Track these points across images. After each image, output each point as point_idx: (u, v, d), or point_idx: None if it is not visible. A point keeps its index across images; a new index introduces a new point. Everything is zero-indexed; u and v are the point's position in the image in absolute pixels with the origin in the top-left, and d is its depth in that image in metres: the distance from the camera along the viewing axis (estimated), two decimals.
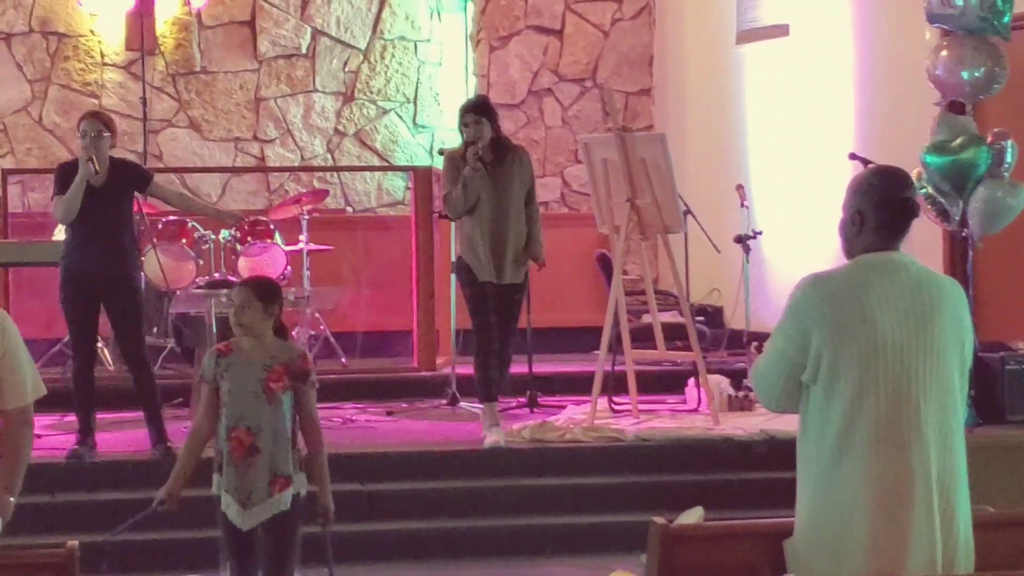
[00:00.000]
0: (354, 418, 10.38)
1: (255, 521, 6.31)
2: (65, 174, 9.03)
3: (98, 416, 9.21)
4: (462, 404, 10.56)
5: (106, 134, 9.00)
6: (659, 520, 4.54)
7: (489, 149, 9.31)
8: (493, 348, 9.33)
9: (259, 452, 6.28)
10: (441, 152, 11.25)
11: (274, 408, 6.30)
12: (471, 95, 14.62)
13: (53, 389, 10.54)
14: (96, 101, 14.07)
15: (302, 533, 6.45)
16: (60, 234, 10.59)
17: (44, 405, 10.47)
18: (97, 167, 8.87)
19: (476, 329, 9.38)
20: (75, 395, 9.07)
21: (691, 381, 10.61)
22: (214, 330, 9.05)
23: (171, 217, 11.50)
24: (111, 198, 8.99)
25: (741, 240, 11.08)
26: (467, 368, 10.65)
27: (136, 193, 9.23)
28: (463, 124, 9.34)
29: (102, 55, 14.17)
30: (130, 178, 9.15)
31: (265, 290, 6.43)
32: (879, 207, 4.46)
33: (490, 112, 9.39)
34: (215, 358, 6.40)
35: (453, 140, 14.00)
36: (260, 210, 13.02)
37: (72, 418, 9.44)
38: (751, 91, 13.22)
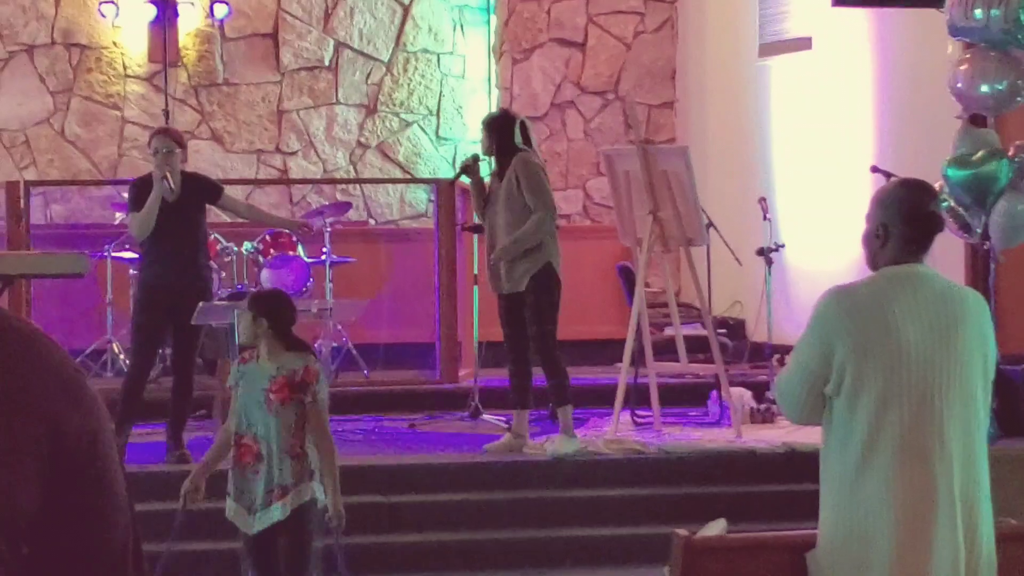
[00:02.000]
0: (376, 430, 10.40)
1: (259, 527, 6.46)
2: (139, 190, 9.23)
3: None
4: (484, 416, 10.58)
5: (177, 150, 9.22)
6: (682, 532, 4.55)
7: (496, 161, 9.52)
8: (516, 356, 9.48)
9: (262, 460, 6.45)
10: None
11: (274, 418, 6.45)
12: (494, 107, 14.68)
13: None
14: (118, 113, 14.14)
15: (319, 542, 6.57)
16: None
17: None
18: (173, 185, 9.03)
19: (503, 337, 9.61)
20: (120, 405, 9.10)
21: (713, 394, 10.62)
22: (236, 342, 9.08)
23: None
24: (184, 212, 9.18)
25: (763, 253, 11.08)
26: (489, 380, 10.69)
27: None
28: None
29: (124, 67, 14.23)
30: (202, 191, 9.35)
31: (254, 301, 6.70)
32: (904, 220, 4.47)
33: (490, 126, 9.53)
34: (236, 366, 6.66)
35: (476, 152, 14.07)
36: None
37: None
38: (774, 104, 13.23)
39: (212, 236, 11.52)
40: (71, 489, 2.16)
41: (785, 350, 4.59)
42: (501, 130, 9.45)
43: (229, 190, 14.15)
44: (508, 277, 9.37)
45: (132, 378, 9.24)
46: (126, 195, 9.80)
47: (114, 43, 14.19)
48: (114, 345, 11.65)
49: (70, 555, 2.17)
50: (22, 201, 11.19)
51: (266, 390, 6.46)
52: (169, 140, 9.20)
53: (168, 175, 9.06)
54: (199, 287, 9.24)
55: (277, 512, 6.42)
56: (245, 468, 6.48)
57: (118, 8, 13.97)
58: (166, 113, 13.76)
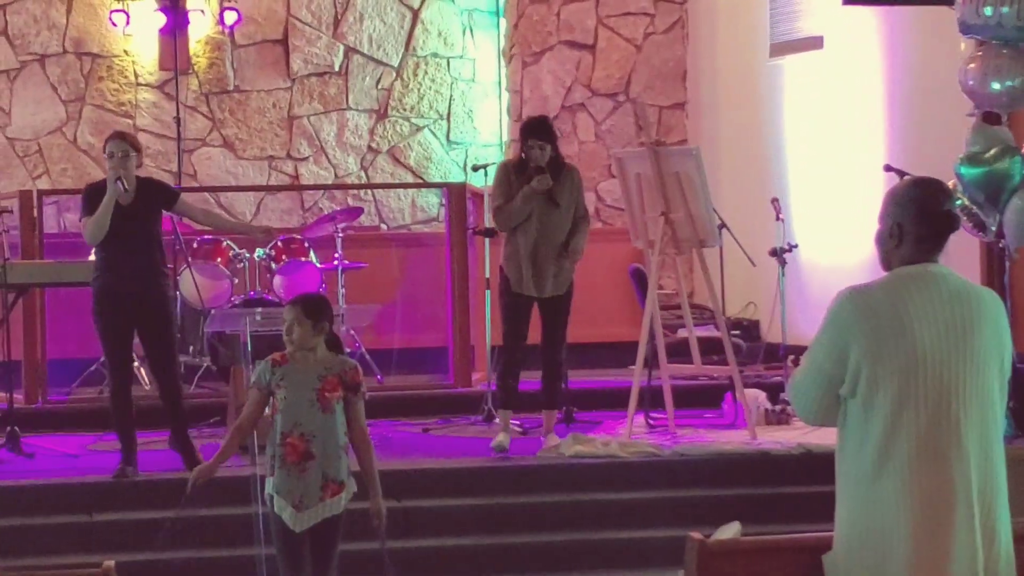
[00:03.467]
0: (390, 435, 10.37)
1: (308, 524, 6.57)
2: (92, 195, 9.05)
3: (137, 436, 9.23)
4: (498, 420, 10.53)
5: (133, 154, 9.03)
6: (696, 535, 4.52)
7: (549, 167, 9.47)
8: (517, 358, 9.56)
9: (313, 458, 6.56)
10: (475, 168, 11.28)
11: (328, 416, 6.60)
12: (504, 111, 14.65)
13: (90, 409, 10.64)
14: (130, 121, 14.13)
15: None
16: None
17: (80, 425, 10.58)
18: (127, 187, 8.90)
19: (504, 336, 9.67)
20: (113, 416, 9.09)
21: (728, 395, 10.58)
22: (249, 348, 9.05)
23: (206, 236, 11.54)
24: (139, 217, 9.00)
25: (776, 253, 11.04)
26: None
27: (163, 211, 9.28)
28: (527, 146, 9.51)
29: (136, 75, 14.22)
30: (157, 197, 9.18)
31: (313, 308, 6.72)
32: (919, 219, 4.43)
33: (553, 136, 9.60)
34: (270, 367, 6.68)
35: (486, 156, 14.02)
36: (294, 228, 13.04)
37: (110, 438, 9.46)
38: (785, 104, 13.19)
39: (225, 243, 11.52)
40: None
41: (800, 350, 4.58)
42: (555, 137, 9.64)
43: (239, 196, 14.24)
44: (556, 280, 9.51)
45: (114, 391, 9.07)
46: None
47: (125, 51, 14.19)
48: None
49: None
50: (35, 210, 11.17)
51: (319, 389, 6.60)
52: (124, 143, 9.05)
53: (122, 177, 8.92)
54: (156, 292, 9.02)
55: (333, 507, 6.59)
56: (291, 468, 6.56)
57: (128, 16, 13.96)
58: (177, 121, 13.74)
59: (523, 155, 9.55)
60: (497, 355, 9.85)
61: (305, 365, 6.65)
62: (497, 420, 10.50)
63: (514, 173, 9.57)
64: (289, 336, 6.66)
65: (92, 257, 10.73)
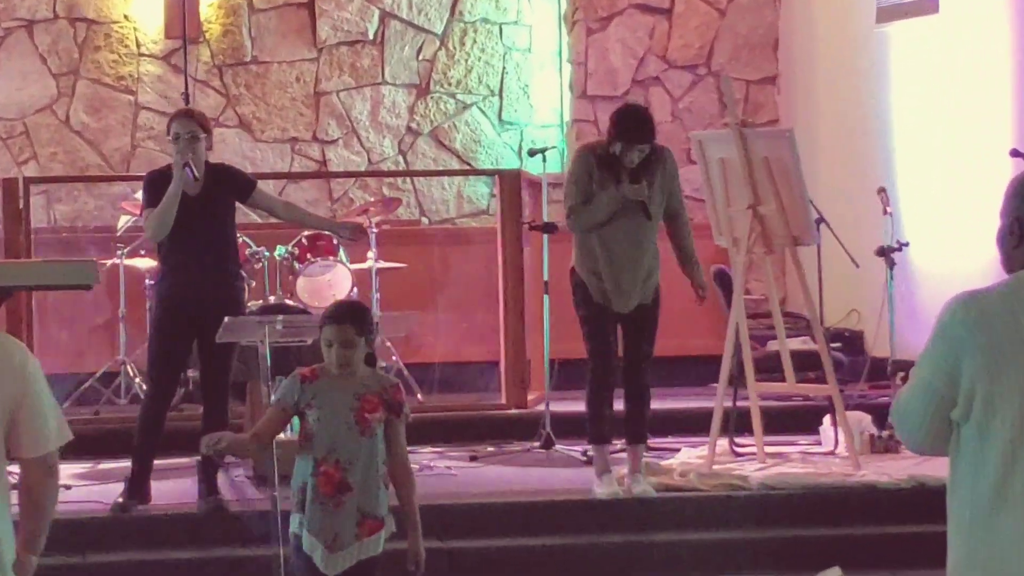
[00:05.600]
0: (432, 464, 10.42)
1: (342, 567, 6.53)
2: (154, 184, 9.10)
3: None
4: (558, 447, 10.58)
5: (202, 136, 9.08)
6: None
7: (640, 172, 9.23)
8: (610, 380, 9.30)
9: (350, 490, 6.52)
10: (532, 153, 11.29)
11: (368, 441, 6.56)
12: (565, 86, 14.67)
13: (84, 432, 10.72)
14: (131, 98, 14.26)
15: None
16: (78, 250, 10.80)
17: (73, 452, 10.64)
18: (196, 172, 8.95)
19: (592, 355, 9.31)
20: (138, 436, 9.10)
21: (826, 419, 10.59)
22: (268, 362, 9.10)
23: None
24: (209, 209, 9.08)
25: (884, 253, 11.04)
26: (563, 406, 10.66)
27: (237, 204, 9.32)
28: (624, 150, 9.10)
29: (138, 44, 14.34)
30: (229, 186, 9.22)
31: (364, 324, 6.67)
32: None
33: (654, 133, 9.24)
34: (299, 383, 6.62)
35: (544, 139, 14.06)
36: None
37: (106, 465, 9.54)
38: (894, 78, 13.18)
39: (240, 239, 11.59)
40: None
41: (910, 366, 4.56)
42: (655, 134, 9.33)
43: (261, 185, 14.31)
44: (641, 290, 9.32)
45: (150, 408, 9.16)
46: (139, 195, 9.76)
47: (125, 17, 14.31)
48: (128, 367, 11.71)
49: None
50: (21, 201, 11.26)
51: (357, 410, 6.56)
52: (192, 123, 9.07)
53: (191, 161, 8.97)
54: (228, 298, 9.11)
55: (371, 547, 6.56)
56: (326, 501, 6.52)
57: None
58: (186, 97, 13.83)
59: (612, 151, 9.12)
60: (570, 377, 9.69)
61: (341, 382, 6.60)
62: (557, 449, 10.55)
63: (597, 166, 9.20)
64: (346, 360, 6.58)
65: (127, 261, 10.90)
